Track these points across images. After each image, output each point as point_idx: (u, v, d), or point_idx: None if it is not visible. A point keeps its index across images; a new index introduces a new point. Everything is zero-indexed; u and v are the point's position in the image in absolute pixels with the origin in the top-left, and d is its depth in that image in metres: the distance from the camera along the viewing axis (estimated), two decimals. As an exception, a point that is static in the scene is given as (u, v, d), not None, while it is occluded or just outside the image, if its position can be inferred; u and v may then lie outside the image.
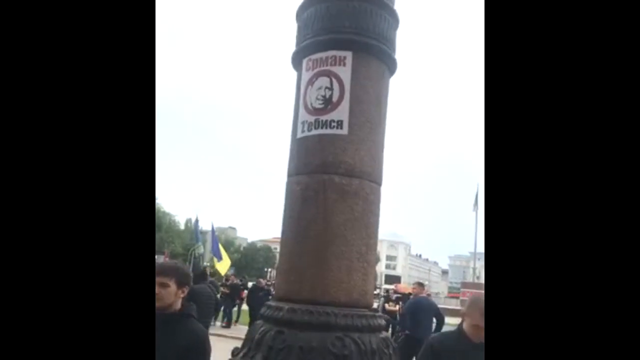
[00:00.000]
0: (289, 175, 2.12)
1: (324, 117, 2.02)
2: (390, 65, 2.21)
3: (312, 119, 2.05)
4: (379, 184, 2.13)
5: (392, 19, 2.21)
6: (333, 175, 1.98)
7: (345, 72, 2.05)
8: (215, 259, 16.60)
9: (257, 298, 11.86)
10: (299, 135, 2.09)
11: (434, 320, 7.25)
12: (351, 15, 2.08)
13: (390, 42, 2.18)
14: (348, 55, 2.06)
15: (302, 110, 2.11)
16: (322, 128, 2.02)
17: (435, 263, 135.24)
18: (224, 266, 16.27)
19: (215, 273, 17.37)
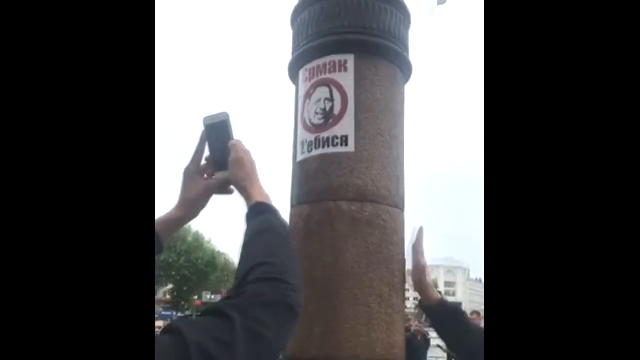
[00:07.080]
0: (292, 206, 1.78)
1: (325, 134, 1.69)
2: (403, 68, 1.86)
3: (311, 137, 1.72)
4: (400, 208, 1.75)
5: (402, 14, 1.87)
6: (340, 202, 1.63)
7: (347, 79, 1.72)
8: None
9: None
10: (299, 158, 1.76)
11: None
12: (351, 12, 1.76)
13: (400, 41, 1.84)
14: (350, 58, 1.74)
15: (300, 128, 1.79)
16: (323, 147, 1.69)
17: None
18: None
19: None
